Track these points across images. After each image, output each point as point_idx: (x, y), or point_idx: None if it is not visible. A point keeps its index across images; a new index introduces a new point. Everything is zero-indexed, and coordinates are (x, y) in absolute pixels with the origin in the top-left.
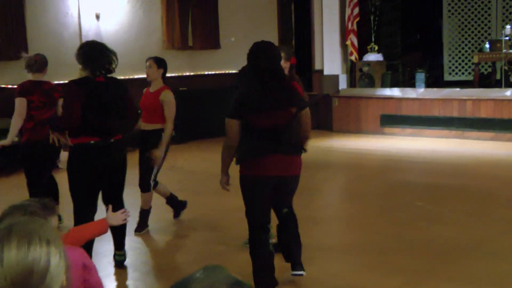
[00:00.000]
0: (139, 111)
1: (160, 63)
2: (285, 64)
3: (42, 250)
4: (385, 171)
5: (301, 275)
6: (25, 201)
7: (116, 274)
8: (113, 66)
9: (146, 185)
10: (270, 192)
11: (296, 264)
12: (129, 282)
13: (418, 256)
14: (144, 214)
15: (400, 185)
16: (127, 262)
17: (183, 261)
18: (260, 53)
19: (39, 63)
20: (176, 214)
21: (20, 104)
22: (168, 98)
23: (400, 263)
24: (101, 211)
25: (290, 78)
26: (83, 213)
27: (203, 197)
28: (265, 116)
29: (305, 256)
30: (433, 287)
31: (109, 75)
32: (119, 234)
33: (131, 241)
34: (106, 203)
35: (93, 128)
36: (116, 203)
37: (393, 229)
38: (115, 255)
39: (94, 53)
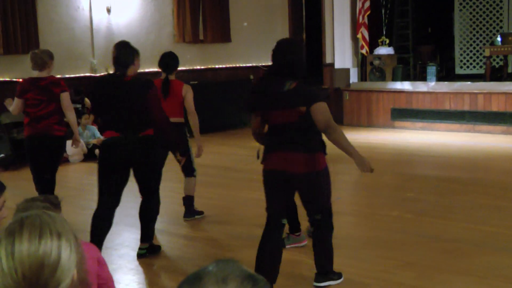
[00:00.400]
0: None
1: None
2: None
3: (53, 243)
4: (395, 164)
5: (317, 287)
6: (30, 199)
7: (125, 268)
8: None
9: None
10: (281, 189)
11: (316, 274)
12: (138, 276)
13: (428, 250)
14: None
15: (411, 179)
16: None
17: (195, 255)
18: (273, 51)
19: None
20: (188, 214)
21: (16, 104)
22: None
23: (410, 257)
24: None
25: None
26: (103, 205)
27: (215, 190)
28: (273, 114)
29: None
30: (443, 281)
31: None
32: (144, 225)
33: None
34: (141, 194)
35: (111, 124)
36: (148, 196)
37: (403, 223)
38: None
39: (118, 53)
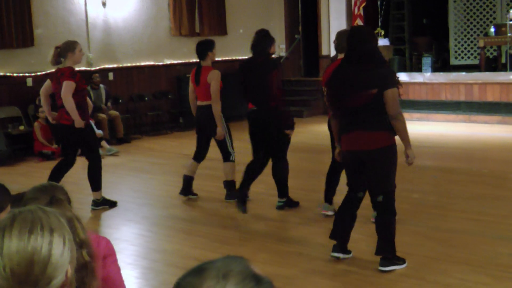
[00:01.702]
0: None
1: None
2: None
3: (43, 239)
4: None
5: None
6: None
7: (123, 262)
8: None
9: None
10: (355, 167)
11: (381, 259)
12: (137, 271)
13: (425, 241)
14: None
15: (408, 169)
16: (136, 250)
17: (193, 249)
18: (349, 39)
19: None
20: (228, 196)
21: None
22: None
23: (408, 247)
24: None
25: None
26: (251, 161)
27: (213, 184)
28: (348, 97)
29: (314, 241)
30: (441, 271)
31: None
32: (276, 184)
33: (140, 229)
34: (271, 158)
35: (249, 97)
36: (274, 161)
37: (400, 214)
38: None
39: (255, 40)
